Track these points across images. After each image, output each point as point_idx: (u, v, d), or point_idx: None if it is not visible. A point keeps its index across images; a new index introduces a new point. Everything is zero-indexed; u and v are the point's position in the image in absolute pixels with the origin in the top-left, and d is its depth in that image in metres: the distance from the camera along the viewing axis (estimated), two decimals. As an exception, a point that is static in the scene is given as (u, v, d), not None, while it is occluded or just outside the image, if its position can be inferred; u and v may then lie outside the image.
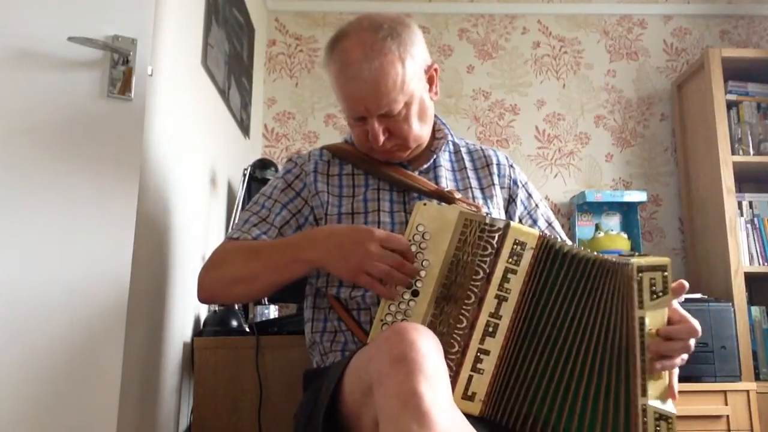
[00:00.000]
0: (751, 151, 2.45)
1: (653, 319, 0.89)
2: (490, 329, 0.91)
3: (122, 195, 1.10)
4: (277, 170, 1.99)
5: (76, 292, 1.05)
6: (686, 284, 0.92)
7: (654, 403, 0.87)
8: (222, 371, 1.52)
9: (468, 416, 0.84)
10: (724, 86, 2.46)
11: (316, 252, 1.02)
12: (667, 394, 0.89)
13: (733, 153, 2.41)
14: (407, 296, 0.93)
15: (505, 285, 0.92)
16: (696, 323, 0.91)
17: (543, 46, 2.87)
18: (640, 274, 0.88)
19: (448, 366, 0.87)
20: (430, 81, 1.17)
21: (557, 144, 2.79)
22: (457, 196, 1.14)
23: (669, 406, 0.88)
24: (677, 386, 0.91)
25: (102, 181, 1.09)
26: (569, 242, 1.01)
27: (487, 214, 0.98)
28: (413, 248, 0.95)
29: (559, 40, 2.87)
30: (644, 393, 0.87)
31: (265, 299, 1.79)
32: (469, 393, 0.89)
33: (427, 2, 2.87)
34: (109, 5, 1.13)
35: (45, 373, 1.01)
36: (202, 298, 1.15)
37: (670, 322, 0.90)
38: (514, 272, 0.92)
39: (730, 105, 2.47)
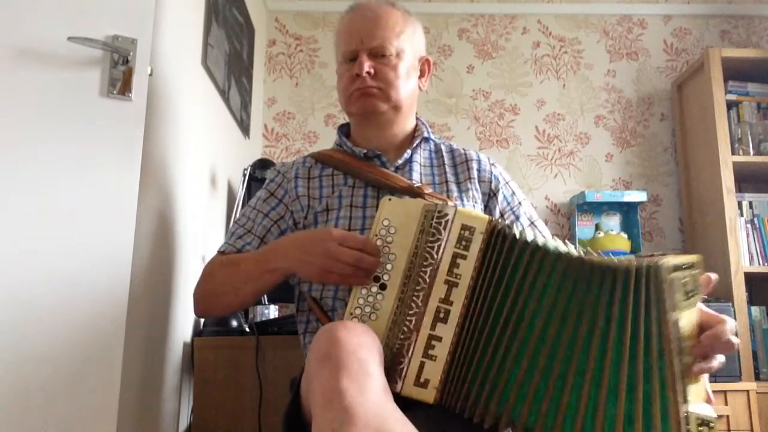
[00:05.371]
0: (751, 151, 2.45)
1: (688, 319, 0.83)
2: (441, 315, 0.88)
3: (122, 195, 1.10)
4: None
5: (76, 292, 1.05)
6: (714, 277, 0.87)
7: (694, 408, 0.81)
8: (222, 371, 1.52)
9: (423, 404, 0.84)
10: (724, 86, 2.46)
11: (285, 260, 1.05)
12: (704, 397, 0.83)
13: (733, 153, 2.41)
14: (375, 289, 0.93)
15: (455, 270, 0.89)
16: (729, 319, 0.86)
17: (543, 46, 2.87)
18: (671, 275, 0.82)
19: (399, 352, 0.86)
20: (422, 71, 1.27)
21: (557, 144, 2.79)
22: (428, 190, 1.14)
23: (709, 410, 0.82)
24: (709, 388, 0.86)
25: (102, 181, 1.09)
26: (549, 238, 0.93)
27: (446, 203, 0.97)
28: (379, 242, 0.94)
29: (559, 40, 2.87)
30: (685, 399, 0.80)
31: (266, 299, 1.79)
32: (422, 380, 0.87)
33: (427, 2, 2.87)
34: (109, 5, 1.13)
35: (45, 373, 1.01)
36: (197, 312, 1.21)
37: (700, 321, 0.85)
38: (464, 257, 0.90)
39: (730, 105, 2.46)
